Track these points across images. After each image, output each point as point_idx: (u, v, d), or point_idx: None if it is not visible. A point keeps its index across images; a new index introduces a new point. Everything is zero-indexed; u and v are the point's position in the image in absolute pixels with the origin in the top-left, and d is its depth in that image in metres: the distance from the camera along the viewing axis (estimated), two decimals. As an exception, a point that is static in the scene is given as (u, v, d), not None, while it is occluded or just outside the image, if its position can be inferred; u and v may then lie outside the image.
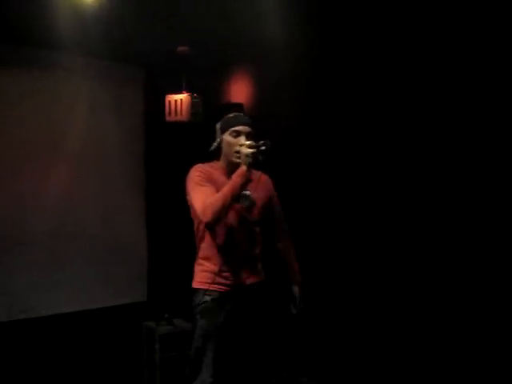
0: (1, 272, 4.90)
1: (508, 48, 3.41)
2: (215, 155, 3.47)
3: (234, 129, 3.35)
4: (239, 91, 5.40)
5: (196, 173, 3.34)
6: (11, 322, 4.89)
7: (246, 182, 3.20)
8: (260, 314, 3.46)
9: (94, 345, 5.30)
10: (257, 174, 3.47)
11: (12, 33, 4.70)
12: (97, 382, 5.17)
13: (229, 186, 3.17)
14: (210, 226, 3.26)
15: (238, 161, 3.26)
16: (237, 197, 3.22)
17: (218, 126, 3.45)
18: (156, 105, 5.56)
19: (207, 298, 3.34)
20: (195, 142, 5.43)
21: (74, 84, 5.35)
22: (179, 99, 5.40)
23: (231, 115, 3.45)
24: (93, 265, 5.42)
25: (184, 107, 5.37)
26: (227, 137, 3.37)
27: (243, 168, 3.18)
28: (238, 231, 3.37)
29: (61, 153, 5.26)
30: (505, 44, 3.42)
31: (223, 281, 3.35)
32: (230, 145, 3.35)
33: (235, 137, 3.33)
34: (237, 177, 3.17)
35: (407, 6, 3.88)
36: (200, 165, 3.41)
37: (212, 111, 5.30)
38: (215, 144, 3.44)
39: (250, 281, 3.42)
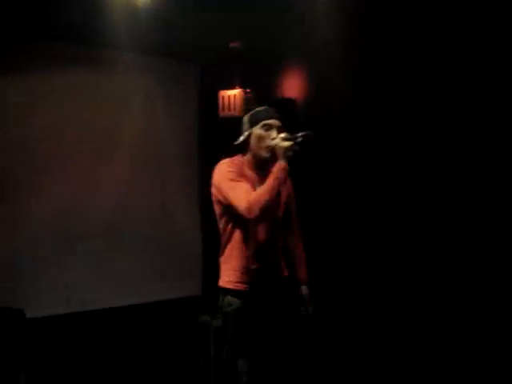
0: (60, 265, 4.99)
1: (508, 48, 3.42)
2: (241, 149, 3.40)
3: (265, 122, 3.28)
4: (291, 86, 5.36)
5: (227, 168, 3.28)
6: (69, 314, 4.98)
7: (286, 178, 3.21)
8: (286, 310, 3.42)
9: (150, 338, 5.36)
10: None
11: (70, 31, 4.76)
12: (153, 376, 5.23)
13: (272, 181, 3.12)
14: (253, 223, 3.20)
15: (267, 155, 3.23)
16: (278, 193, 3.19)
17: (246, 119, 3.37)
18: (210, 101, 5.60)
19: (236, 299, 3.29)
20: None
21: (130, 82, 5.41)
22: (232, 95, 5.40)
23: (261, 108, 3.38)
24: (150, 260, 5.47)
25: (237, 102, 5.37)
26: (258, 130, 3.29)
27: (283, 163, 3.14)
28: (264, 228, 3.31)
29: (117, 151, 5.34)
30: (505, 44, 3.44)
31: (251, 279, 3.30)
32: (261, 138, 3.28)
33: (266, 130, 3.27)
34: (278, 172, 3.13)
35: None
36: (227, 160, 3.35)
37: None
38: (242, 137, 3.36)
39: (276, 277, 3.39)
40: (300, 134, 3.14)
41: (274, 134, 3.24)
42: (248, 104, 5.34)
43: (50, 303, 4.91)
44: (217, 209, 3.34)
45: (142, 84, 5.50)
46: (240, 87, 5.42)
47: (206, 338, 5.25)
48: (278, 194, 3.21)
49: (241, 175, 3.26)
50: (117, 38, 4.60)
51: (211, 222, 5.54)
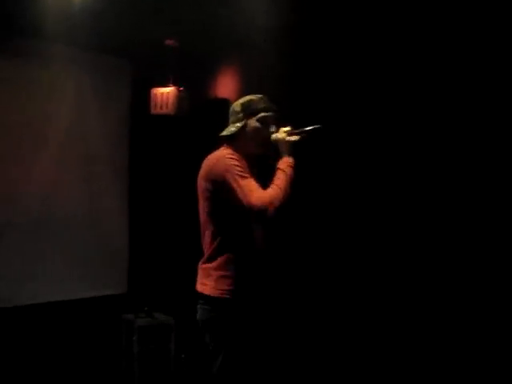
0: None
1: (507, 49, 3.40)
2: (230, 140, 3.06)
3: (265, 115, 3.03)
4: (225, 86, 5.41)
5: (234, 162, 2.89)
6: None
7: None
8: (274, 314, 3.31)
9: (73, 336, 5.27)
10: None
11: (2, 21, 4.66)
12: (75, 373, 5.15)
13: (285, 179, 2.89)
14: (264, 220, 2.87)
15: (261, 150, 3.02)
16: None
17: (239, 108, 3.06)
18: (142, 97, 5.52)
19: (234, 308, 2.95)
20: (180, 135, 5.61)
21: (60, 74, 5.32)
22: (165, 92, 5.35)
23: (256, 98, 3.07)
24: (74, 255, 5.39)
25: (170, 100, 5.32)
26: (254, 122, 3.02)
27: (290, 159, 2.95)
28: (259, 230, 3.05)
29: (45, 143, 5.24)
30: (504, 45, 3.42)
31: (249, 288, 3.01)
32: (257, 132, 3.02)
33: (265, 124, 3.03)
34: (288, 168, 2.92)
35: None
36: (229, 152, 2.97)
37: (198, 105, 5.44)
38: (234, 129, 3.03)
39: (267, 281, 3.12)
40: (308, 129, 2.96)
41: (273, 127, 3.02)
42: (181, 102, 5.35)
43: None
44: (208, 206, 2.97)
45: (73, 77, 5.40)
46: (174, 85, 5.39)
47: (130, 337, 5.20)
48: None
49: (244, 169, 2.91)
50: (48, 29, 4.51)
51: (139, 218, 5.76)
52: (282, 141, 2.97)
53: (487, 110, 3.52)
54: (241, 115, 3.04)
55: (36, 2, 4.18)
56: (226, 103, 5.20)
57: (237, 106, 3.08)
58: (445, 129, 3.74)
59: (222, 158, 2.92)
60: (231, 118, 3.09)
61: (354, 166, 4.27)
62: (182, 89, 5.38)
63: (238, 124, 3.02)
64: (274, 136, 3.00)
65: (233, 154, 2.94)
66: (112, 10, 4.55)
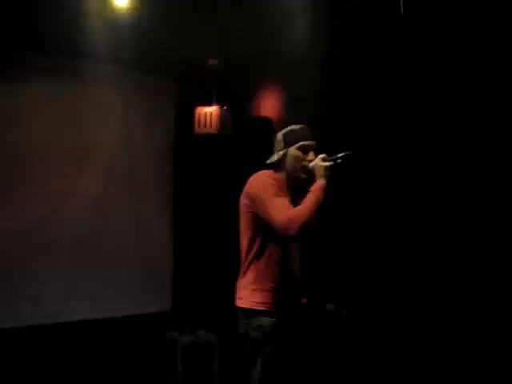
0: (29, 277, 4.96)
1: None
2: (274, 168, 3.22)
3: (304, 143, 3.16)
4: (267, 106, 5.44)
5: (270, 181, 3.09)
6: (36, 326, 4.94)
7: (325, 196, 3.01)
8: (312, 333, 3.40)
9: (117, 353, 5.32)
10: None
11: (46, 42, 4.78)
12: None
13: (313, 200, 2.97)
14: (291, 241, 3.05)
15: (304, 176, 3.11)
16: (317, 213, 2.98)
17: (281, 137, 3.21)
18: (186, 117, 5.58)
19: (269, 319, 3.06)
20: (224, 153, 5.65)
21: (106, 95, 5.43)
22: (209, 112, 5.39)
23: (297, 127, 3.22)
24: (120, 274, 5.47)
25: (214, 119, 5.36)
26: (294, 151, 3.16)
27: (322, 182, 3.02)
28: (294, 247, 3.17)
29: (91, 163, 5.35)
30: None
31: (283, 300, 3.11)
32: (297, 159, 3.16)
33: (304, 152, 3.16)
34: (318, 190, 3.00)
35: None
36: (268, 173, 3.18)
37: (241, 124, 5.49)
38: (276, 157, 3.19)
39: (303, 301, 3.26)
40: (340, 155, 3.06)
41: (311, 155, 3.14)
42: (224, 121, 5.38)
43: (18, 315, 4.89)
44: (245, 221, 3.15)
45: (119, 98, 5.51)
46: (217, 104, 5.42)
47: (174, 355, 5.21)
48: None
49: (281, 190, 3.10)
50: (95, 50, 4.62)
51: (184, 237, 5.81)
52: (317, 166, 3.06)
53: (487, 113, 3.64)
54: (282, 144, 3.19)
55: (82, 23, 4.28)
56: (267, 123, 5.32)
57: (279, 135, 3.23)
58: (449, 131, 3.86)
59: (260, 176, 3.14)
60: (275, 147, 3.24)
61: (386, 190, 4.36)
62: (225, 108, 5.42)
63: (281, 152, 3.18)
64: (310, 164, 3.11)
65: (271, 175, 3.15)
66: (158, 31, 4.65)
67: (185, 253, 5.84)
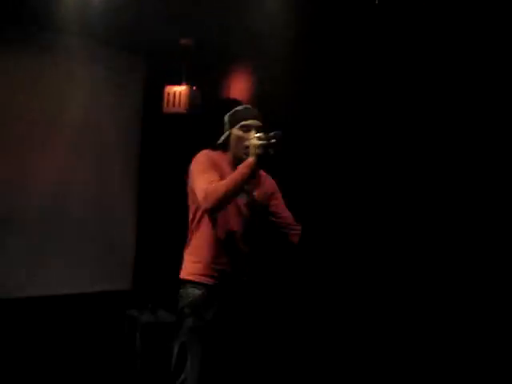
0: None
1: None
2: (223, 148, 3.34)
3: (244, 123, 3.24)
4: (238, 87, 5.42)
5: (202, 157, 3.23)
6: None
7: (253, 174, 3.08)
8: (247, 310, 3.36)
9: (77, 330, 5.30)
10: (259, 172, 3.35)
11: (15, 14, 4.73)
12: (77, 368, 5.12)
13: (234, 175, 3.04)
14: (209, 213, 3.15)
15: (246, 157, 3.13)
16: (241, 189, 3.09)
17: (227, 118, 3.33)
18: (155, 95, 5.54)
19: (196, 291, 3.19)
20: (192, 133, 5.54)
21: (74, 69, 5.38)
22: (178, 91, 5.36)
23: (240, 108, 3.34)
24: (80, 249, 5.44)
25: (183, 99, 5.33)
26: (236, 131, 3.26)
27: (251, 159, 3.06)
28: (235, 224, 3.27)
29: (58, 137, 5.31)
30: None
31: (214, 273, 3.21)
32: (240, 139, 3.24)
33: (245, 131, 3.22)
34: (244, 167, 3.05)
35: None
36: (207, 151, 3.29)
37: (210, 105, 5.39)
38: (223, 138, 3.32)
39: (240, 277, 3.31)
40: (271, 134, 3.07)
41: (252, 134, 3.17)
42: (193, 101, 5.36)
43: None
44: (188, 196, 3.30)
45: (88, 72, 5.45)
46: (187, 84, 5.39)
47: (133, 333, 5.20)
48: (240, 190, 3.13)
49: (215, 167, 3.20)
50: (66, 23, 4.58)
51: (147, 215, 5.79)
52: (251, 144, 3.11)
53: (486, 113, 3.62)
54: (227, 125, 3.32)
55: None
56: (237, 104, 5.06)
57: (226, 117, 3.35)
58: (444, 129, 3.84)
59: (199, 154, 3.26)
60: (224, 129, 3.35)
61: (351, 165, 4.37)
62: (194, 88, 5.38)
63: (226, 133, 3.31)
64: (247, 143, 3.16)
65: (208, 152, 3.28)
66: (129, 8, 4.59)
67: (148, 231, 5.83)
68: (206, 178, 3.10)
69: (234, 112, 3.32)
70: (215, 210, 3.09)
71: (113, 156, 5.66)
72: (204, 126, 5.36)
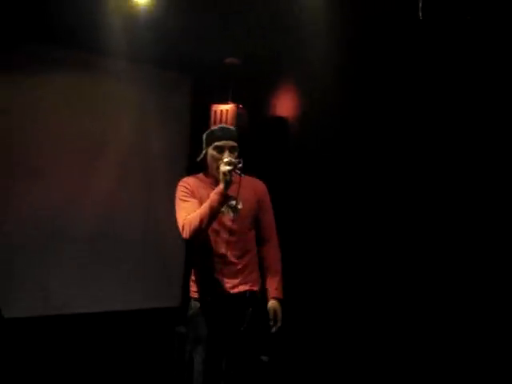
0: (42, 267, 5.01)
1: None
2: (202, 166, 3.45)
3: (217, 144, 3.31)
4: (285, 105, 5.34)
5: (180, 188, 3.36)
6: (46, 316, 5.00)
7: (224, 200, 3.15)
8: (247, 321, 3.40)
9: (127, 345, 5.35)
10: (248, 180, 3.39)
11: (64, 36, 4.81)
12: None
13: (207, 204, 3.14)
14: (191, 241, 3.30)
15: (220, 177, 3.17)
16: (216, 214, 3.17)
17: (204, 137, 3.41)
18: (202, 113, 5.48)
19: (197, 306, 3.39)
20: (239, 153, 5.54)
21: (122, 90, 5.48)
22: (225, 109, 5.33)
23: (216, 128, 3.42)
24: (131, 268, 5.51)
25: (229, 117, 5.30)
26: (211, 151, 3.33)
27: (220, 186, 3.13)
28: (223, 243, 3.36)
29: (106, 158, 5.40)
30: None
31: (209, 291, 3.38)
32: (214, 159, 3.31)
33: (218, 152, 3.29)
34: (214, 195, 3.14)
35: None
36: (186, 179, 3.41)
37: (256, 123, 5.40)
38: (199, 157, 3.41)
39: (236, 290, 3.39)
40: (238, 160, 3.17)
41: (225, 155, 3.24)
42: (240, 120, 5.32)
43: (29, 304, 4.92)
44: None
45: (136, 94, 5.53)
46: (233, 102, 5.36)
47: (182, 349, 5.05)
48: (218, 213, 3.21)
49: (194, 194, 3.32)
50: (112, 45, 4.64)
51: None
52: (219, 170, 3.16)
53: (486, 114, 3.63)
54: (204, 145, 3.38)
55: (100, 17, 4.31)
56: (283, 122, 5.25)
57: (203, 135, 3.41)
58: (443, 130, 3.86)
59: (179, 182, 3.40)
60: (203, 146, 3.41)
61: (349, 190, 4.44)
62: (241, 106, 5.36)
63: (203, 152, 3.37)
64: (218, 164, 3.22)
65: (187, 179, 3.41)
66: (175, 26, 4.65)
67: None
68: (183, 208, 3.26)
69: (210, 132, 3.39)
70: (194, 238, 3.21)
71: (161, 175, 5.66)
72: (250, 144, 5.42)
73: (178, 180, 5.43)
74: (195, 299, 3.43)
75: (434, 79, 3.98)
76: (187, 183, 3.37)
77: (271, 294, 3.46)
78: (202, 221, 3.12)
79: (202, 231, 3.17)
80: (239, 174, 3.12)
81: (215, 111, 5.40)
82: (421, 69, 4.08)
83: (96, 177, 5.27)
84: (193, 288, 3.46)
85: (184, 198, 3.31)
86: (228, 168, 3.10)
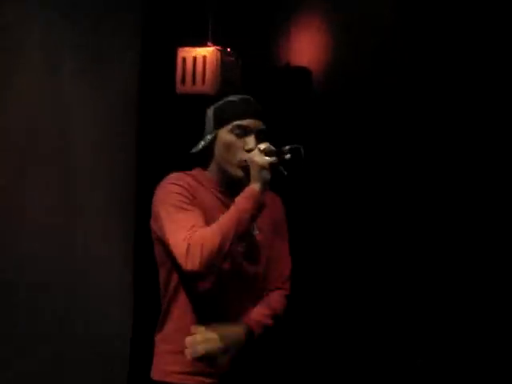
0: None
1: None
2: (202, 160, 2.64)
3: (238, 123, 2.44)
4: (303, 49, 4.26)
5: (173, 189, 2.42)
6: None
7: (259, 210, 2.31)
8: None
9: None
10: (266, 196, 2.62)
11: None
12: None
13: (232, 217, 2.29)
14: (195, 278, 2.36)
15: (241, 175, 2.40)
16: (245, 231, 2.31)
17: (211, 113, 2.54)
18: (161, 65, 4.16)
19: None
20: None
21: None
22: (201, 56, 3.92)
23: (234, 98, 2.53)
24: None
25: (209, 69, 3.90)
26: (226, 134, 2.45)
27: (255, 187, 2.29)
28: (232, 287, 2.47)
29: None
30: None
31: (206, 369, 2.39)
32: (230, 147, 2.44)
33: (239, 136, 2.44)
34: (246, 202, 2.29)
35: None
36: (177, 175, 2.50)
37: (258, 77, 4.18)
38: (203, 143, 2.54)
39: (246, 362, 2.56)
40: (287, 148, 2.32)
41: (251, 141, 2.41)
42: (228, 72, 3.98)
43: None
44: (156, 253, 2.47)
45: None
46: (215, 44, 4.01)
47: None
48: (244, 236, 2.34)
49: (192, 201, 2.43)
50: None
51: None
52: (253, 162, 2.34)
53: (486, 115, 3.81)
54: (211, 124, 2.51)
55: None
56: (303, 75, 4.12)
57: (210, 110, 2.58)
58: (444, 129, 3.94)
59: (164, 181, 2.45)
60: (205, 129, 2.61)
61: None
62: (228, 50, 4.02)
63: (208, 137, 2.50)
64: (246, 155, 2.42)
65: (181, 177, 2.47)
66: None
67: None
68: (183, 221, 2.34)
69: (223, 105, 2.54)
70: (205, 273, 2.27)
71: (84, 185, 4.06)
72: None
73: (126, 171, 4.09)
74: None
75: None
76: (182, 181, 2.44)
77: (247, 321, 2.50)
78: (224, 239, 2.21)
79: (220, 260, 2.23)
80: (283, 173, 2.31)
81: (184, 58, 3.98)
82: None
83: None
84: (171, 365, 2.44)
85: (183, 205, 2.36)
86: (268, 159, 2.28)
